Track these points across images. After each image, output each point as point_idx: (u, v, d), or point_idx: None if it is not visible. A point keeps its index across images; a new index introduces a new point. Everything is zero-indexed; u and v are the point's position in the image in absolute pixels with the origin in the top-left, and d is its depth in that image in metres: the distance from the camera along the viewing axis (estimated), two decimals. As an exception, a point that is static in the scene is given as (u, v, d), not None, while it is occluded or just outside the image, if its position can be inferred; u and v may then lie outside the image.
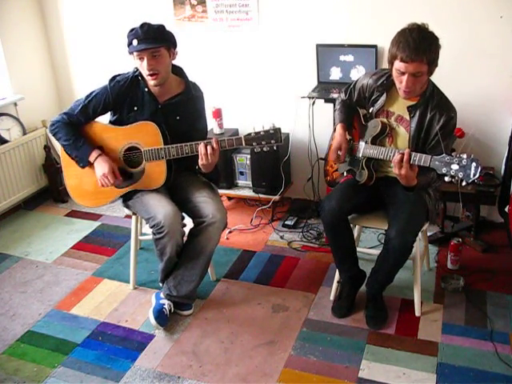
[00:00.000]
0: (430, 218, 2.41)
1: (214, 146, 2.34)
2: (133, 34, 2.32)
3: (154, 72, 2.34)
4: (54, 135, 2.51)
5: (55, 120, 2.49)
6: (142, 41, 2.30)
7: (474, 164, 1.97)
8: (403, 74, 2.15)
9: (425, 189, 2.36)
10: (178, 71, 2.52)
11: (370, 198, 2.47)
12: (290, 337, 2.45)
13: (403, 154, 2.11)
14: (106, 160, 2.44)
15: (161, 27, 2.36)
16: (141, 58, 2.34)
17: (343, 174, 2.54)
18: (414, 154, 2.12)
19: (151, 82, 2.39)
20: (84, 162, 2.48)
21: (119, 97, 2.45)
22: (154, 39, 2.32)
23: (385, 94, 2.35)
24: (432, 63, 2.14)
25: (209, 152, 2.33)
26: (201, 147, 2.34)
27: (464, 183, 2.00)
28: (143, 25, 2.32)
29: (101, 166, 2.43)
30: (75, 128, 2.48)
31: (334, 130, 2.54)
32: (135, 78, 2.45)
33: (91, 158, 2.45)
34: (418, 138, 2.28)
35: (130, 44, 2.34)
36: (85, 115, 2.47)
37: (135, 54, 2.34)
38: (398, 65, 2.14)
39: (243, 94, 3.58)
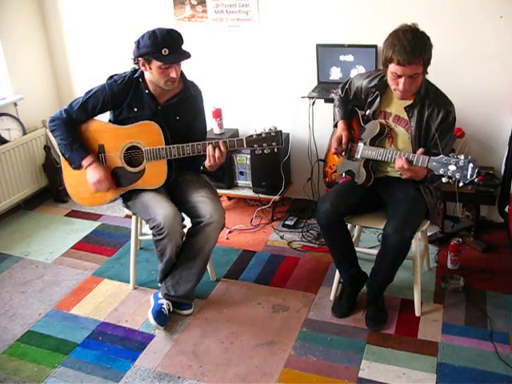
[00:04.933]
0: (430, 215, 2.41)
1: (222, 149, 2.35)
2: (161, 42, 2.25)
3: (176, 78, 2.36)
4: (51, 132, 2.51)
5: (55, 117, 2.48)
6: (175, 50, 2.29)
7: (471, 165, 1.97)
8: (400, 76, 2.14)
9: (435, 182, 2.33)
10: None
11: (368, 199, 2.47)
12: (290, 337, 2.45)
13: (402, 162, 2.14)
14: (99, 168, 2.45)
15: (180, 34, 2.35)
16: (169, 67, 2.30)
17: (342, 175, 2.55)
18: (411, 156, 2.15)
19: (168, 87, 2.38)
20: (76, 165, 2.48)
21: (117, 96, 2.44)
22: (181, 47, 2.33)
23: (379, 96, 2.36)
24: (427, 63, 2.15)
25: (217, 155, 2.35)
26: (209, 149, 2.35)
27: (461, 184, 2.01)
28: (169, 32, 2.29)
29: (93, 174, 2.44)
30: (73, 128, 2.47)
31: (335, 125, 2.56)
32: (135, 80, 2.45)
33: (84, 163, 2.46)
34: (419, 136, 2.29)
35: (155, 52, 2.26)
36: (84, 113, 2.47)
37: (161, 62, 2.28)
38: (395, 68, 2.13)
39: (243, 94, 3.58)
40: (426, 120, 2.26)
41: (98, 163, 2.47)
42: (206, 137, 2.66)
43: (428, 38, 2.14)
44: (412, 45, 2.06)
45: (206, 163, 2.39)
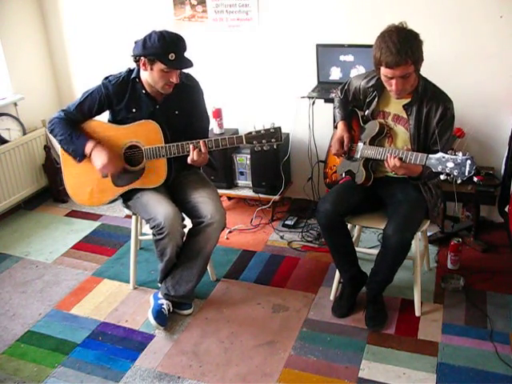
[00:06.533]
0: (430, 215, 2.41)
1: (202, 149, 2.35)
2: (170, 45, 2.25)
3: (174, 83, 2.36)
4: (51, 132, 2.49)
5: (52, 117, 2.48)
6: (181, 56, 2.29)
7: (468, 162, 1.98)
8: (391, 78, 2.16)
9: (433, 178, 2.34)
10: None
11: (368, 199, 2.47)
12: (290, 337, 2.45)
13: (393, 160, 2.15)
14: (103, 149, 2.40)
15: (185, 41, 2.34)
16: (171, 72, 2.30)
17: (342, 175, 2.55)
18: (406, 153, 2.15)
19: (165, 91, 2.38)
20: (80, 155, 2.44)
21: (113, 96, 2.44)
22: (185, 55, 2.33)
23: (377, 96, 2.36)
24: (417, 62, 2.13)
25: (195, 155, 2.35)
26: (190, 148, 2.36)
27: (459, 181, 2.01)
28: (178, 37, 2.30)
29: (98, 156, 2.38)
30: (72, 124, 2.46)
31: (335, 127, 2.56)
32: (132, 81, 2.44)
33: (87, 150, 2.41)
34: (419, 134, 2.29)
35: (162, 54, 2.25)
36: (81, 113, 2.47)
37: (166, 66, 2.27)
38: (385, 71, 2.15)
39: (243, 93, 3.58)
40: (425, 117, 2.26)
41: (100, 146, 2.41)
42: (208, 132, 2.66)
43: (415, 36, 2.12)
44: (398, 47, 2.06)
45: (188, 159, 2.39)
